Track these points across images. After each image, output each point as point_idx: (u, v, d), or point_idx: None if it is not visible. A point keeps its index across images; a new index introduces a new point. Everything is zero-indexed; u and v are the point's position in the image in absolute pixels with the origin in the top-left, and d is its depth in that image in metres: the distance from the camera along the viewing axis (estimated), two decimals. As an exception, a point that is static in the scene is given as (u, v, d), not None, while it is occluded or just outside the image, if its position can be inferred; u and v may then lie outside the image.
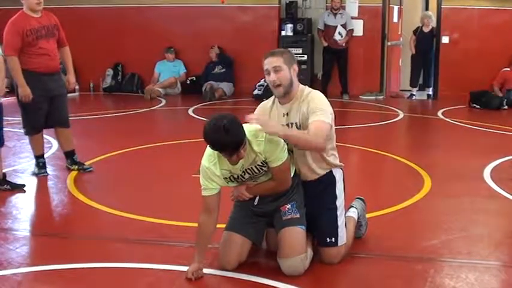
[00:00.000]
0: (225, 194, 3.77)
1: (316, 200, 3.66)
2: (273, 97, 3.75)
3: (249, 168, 3.45)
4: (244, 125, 3.35)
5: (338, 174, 3.74)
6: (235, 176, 3.49)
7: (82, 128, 7.91)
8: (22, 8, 5.54)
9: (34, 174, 5.74)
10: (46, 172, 5.77)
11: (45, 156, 6.07)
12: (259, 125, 3.31)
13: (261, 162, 3.44)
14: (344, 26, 11.08)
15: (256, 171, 3.47)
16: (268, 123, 3.35)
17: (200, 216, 3.54)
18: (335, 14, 11.07)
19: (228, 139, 3.20)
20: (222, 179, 3.47)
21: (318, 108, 3.53)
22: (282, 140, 3.45)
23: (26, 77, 5.41)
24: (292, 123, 3.61)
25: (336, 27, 11.06)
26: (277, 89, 3.59)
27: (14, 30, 5.38)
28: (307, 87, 3.71)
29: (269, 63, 3.58)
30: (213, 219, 3.51)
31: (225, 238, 3.61)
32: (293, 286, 3.36)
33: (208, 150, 3.42)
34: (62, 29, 5.76)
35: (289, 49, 10.78)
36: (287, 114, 3.63)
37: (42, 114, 5.64)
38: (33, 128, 5.70)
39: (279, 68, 3.56)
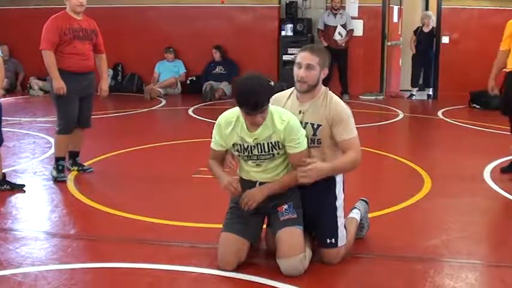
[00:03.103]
0: (224, 196, 3.78)
1: (316, 201, 3.66)
2: (291, 91, 3.74)
3: (261, 143, 3.49)
4: (276, 106, 3.55)
5: (339, 176, 3.74)
6: (245, 146, 3.52)
7: (82, 128, 7.90)
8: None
9: (53, 178, 5.57)
10: (65, 176, 5.62)
11: (45, 156, 6.07)
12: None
13: (275, 142, 3.48)
14: (344, 26, 11.08)
15: (267, 149, 3.50)
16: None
17: (209, 161, 3.72)
18: (335, 14, 11.07)
19: (254, 90, 3.31)
20: (230, 139, 3.54)
21: (345, 120, 3.58)
22: (302, 129, 3.53)
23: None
24: (307, 123, 3.61)
25: (335, 27, 11.06)
26: (301, 85, 3.59)
27: (54, 26, 5.43)
28: (328, 89, 3.71)
29: (305, 58, 3.57)
30: (219, 165, 3.70)
31: (222, 239, 3.60)
32: (293, 286, 3.36)
33: (234, 109, 3.54)
34: (100, 36, 5.77)
35: (289, 49, 11.08)
36: (303, 112, 3.63)
37: (75, 110, 5.60)
38: (67, 125, 5.59)
39: (312, 66, 3.56)
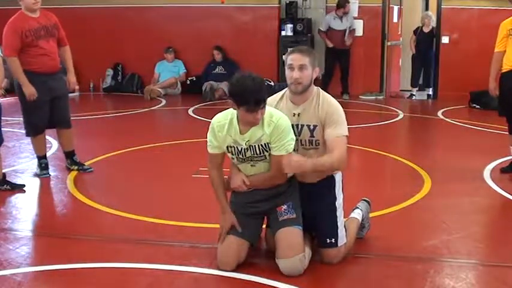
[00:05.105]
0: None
1: (316, 201, 3.66)
2: (282, 93, 3.73)
3: (252, 146, 3.48)
4: (268, 107, 3.48)
5: (338, 175, 3.74)
6: (239, 149, 3.50)
7: (82, 128, 7.91)
8: (21, 8, 5.51)
9: (36, 175, 5.71)
10: (48, 173, 5.74)
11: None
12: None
13: (265, 144, 3.46)
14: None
15: (258, 151, 3.49)
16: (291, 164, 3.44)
17: (210, 172, 3.65)
18: (341, 17, 11.02)
19: (254, 87, 3.29)
20: (224, 142, 3.51)
21: (337, 120, 3.58)
22: (292, 133, 3.50)
23: (27, 78, 5.38)
24: (303, 125, 3.61)
25: (342, 30, 11.01)
26: (297, 86, 3.58)
27: (12, 31, 5.35)
28: (320, 88, 3.71)
29: (296, 60, 3.57)
30: (221, 172, 3.66)
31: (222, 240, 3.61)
32: (293, 286, 3.36)
33: (227, 111, 3.51)
34: (61, 28, 5.72)
35: (289, 49, 11.02)
36: (298, 114, 3.62)
37: (43, 115, 5.60)
38: (33, 129, 5.66)
39: (305, 67, 3.56)
